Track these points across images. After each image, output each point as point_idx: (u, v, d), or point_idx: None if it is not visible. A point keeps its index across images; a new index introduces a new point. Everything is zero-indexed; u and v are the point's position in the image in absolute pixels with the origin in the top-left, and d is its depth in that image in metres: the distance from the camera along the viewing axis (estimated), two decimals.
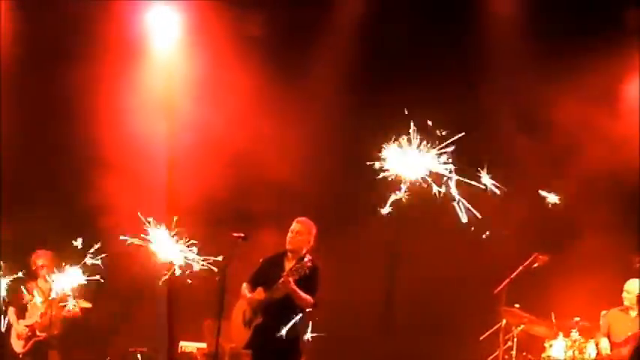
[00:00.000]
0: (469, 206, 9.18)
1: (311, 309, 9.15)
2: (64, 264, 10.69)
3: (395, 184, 9.17)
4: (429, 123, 9.18)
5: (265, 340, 9.10)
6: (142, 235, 9.70)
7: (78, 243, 10.50)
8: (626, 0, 12.05)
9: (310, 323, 9.45)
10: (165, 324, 12.57)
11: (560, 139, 12.03)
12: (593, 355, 10.73)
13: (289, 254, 9.30)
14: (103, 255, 10.47)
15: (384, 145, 9.23)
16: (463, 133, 9.22)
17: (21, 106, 12.28)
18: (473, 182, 9.23)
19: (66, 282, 10.70)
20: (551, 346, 10.82)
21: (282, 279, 9.02)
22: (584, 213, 11.81)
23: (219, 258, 9.35)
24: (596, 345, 10.79)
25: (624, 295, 10.90)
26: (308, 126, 12.33)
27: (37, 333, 11.15)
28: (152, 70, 12.65)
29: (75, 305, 10.91)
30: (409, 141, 9.17)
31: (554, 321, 10.86)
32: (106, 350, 12.10)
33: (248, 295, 9.26)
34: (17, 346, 11.22)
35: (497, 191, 9.30)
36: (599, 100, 12.01)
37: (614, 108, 12.17)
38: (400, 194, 9.18)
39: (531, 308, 10.92)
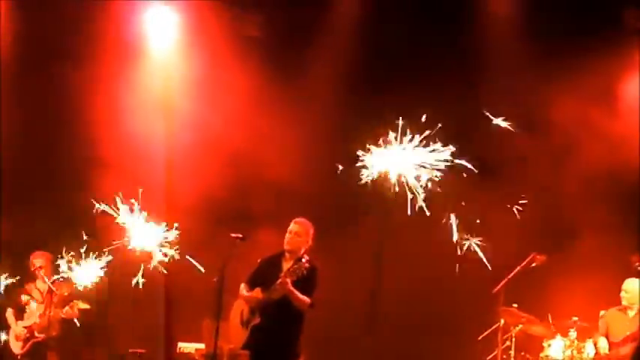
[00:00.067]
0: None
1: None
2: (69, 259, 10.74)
3: (387, 182, 9.26)
4: (423, 118, 9.25)
5: (263, 341, 9.11)
6: (112, 207, 9.73)
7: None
8: (624, 0, 12.05)
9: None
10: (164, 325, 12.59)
11: (559, 138, 12.03)
12: (592, 355, 10.73)
13: (287, 255, 9.29)
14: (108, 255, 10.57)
15: (368, 144, 9.32)
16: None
17: (20, 106, 12.29)
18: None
19: (85, 277, 10.75)
20: (549, 345, 10.82)
21: (279, 280, 9.01)
22: (583, 213, 11.82)
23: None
24: (595, 344, 10.79)
25: (622, 294, 10.90)
26: (306, 126, 12.33)
27: (36, 334, 11.15)
28: (151, 70, 12.67)
29: (73, 306, 10.93)
30: (400, 139, 9.25)
31: (550, 321, 10.87)
32: (105, 351, 12.11)
33: (246, 294, 9.26)
34: (16, 347, 11.22)
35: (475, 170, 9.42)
36: (598, 100, 12.01)
37: (613, 108, 12.17)
38: (392, 193, 9.26)
39: (529, 308, 10.92)
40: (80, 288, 11.04)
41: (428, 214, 9.87)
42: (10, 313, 11.30)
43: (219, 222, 11.77)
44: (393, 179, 9.82)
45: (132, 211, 10.51)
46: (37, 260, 11.27)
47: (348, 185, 11.65)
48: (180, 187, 12.39)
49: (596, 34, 11.78)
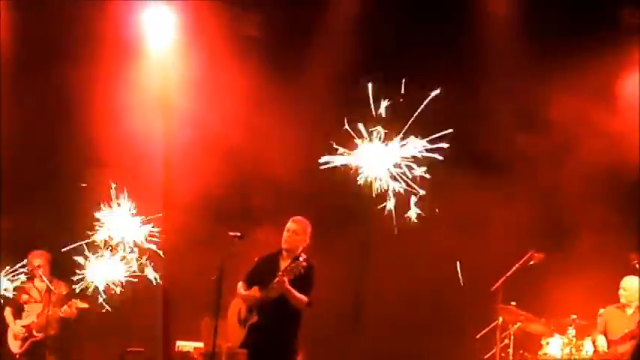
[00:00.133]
0: None
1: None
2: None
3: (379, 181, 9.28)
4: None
5: (260, 339, 9.11)
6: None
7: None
8: None
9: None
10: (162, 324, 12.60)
11: (558, 137, 12.03)
12: (590, 353, 10.74)
13: (285, 253, 9.29)
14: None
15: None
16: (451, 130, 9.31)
17: (20, 106, 12.30)
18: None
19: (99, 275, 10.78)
20: (547, 343, 10.83)
21: (277, 278, 9.01)
22: (582, 211, 11.82)
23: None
24: (593, 342, 10.79)
25: (621, 292, 10.91)
26: (305, 125, 12.32)
27: (34, 333, 11.18)
28: (149, 70, 12.67)
29: (72, 305, 10.94)
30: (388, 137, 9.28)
31: (543, 321, 10.89)
32: (104, 350, 12.11)
33: (243, 292, 9.27)
34: (14, 346, 11.24)
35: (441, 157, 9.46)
36: (597, 99, 12.00)
37: (611, 107, 12.16)
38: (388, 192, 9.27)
39: (528, 306, 10.92)
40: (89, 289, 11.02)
41: (423, 214, 9.83)
42: (8, 312, 11.32)
43: (218, 220, 11.79)
44: (385, 178, 9.80)
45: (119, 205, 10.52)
46: (36, 260, 11.29)
47: (347, 184, 11.66)
48: (179, 186, 12.40)
49: (595, 33, 11.79)
